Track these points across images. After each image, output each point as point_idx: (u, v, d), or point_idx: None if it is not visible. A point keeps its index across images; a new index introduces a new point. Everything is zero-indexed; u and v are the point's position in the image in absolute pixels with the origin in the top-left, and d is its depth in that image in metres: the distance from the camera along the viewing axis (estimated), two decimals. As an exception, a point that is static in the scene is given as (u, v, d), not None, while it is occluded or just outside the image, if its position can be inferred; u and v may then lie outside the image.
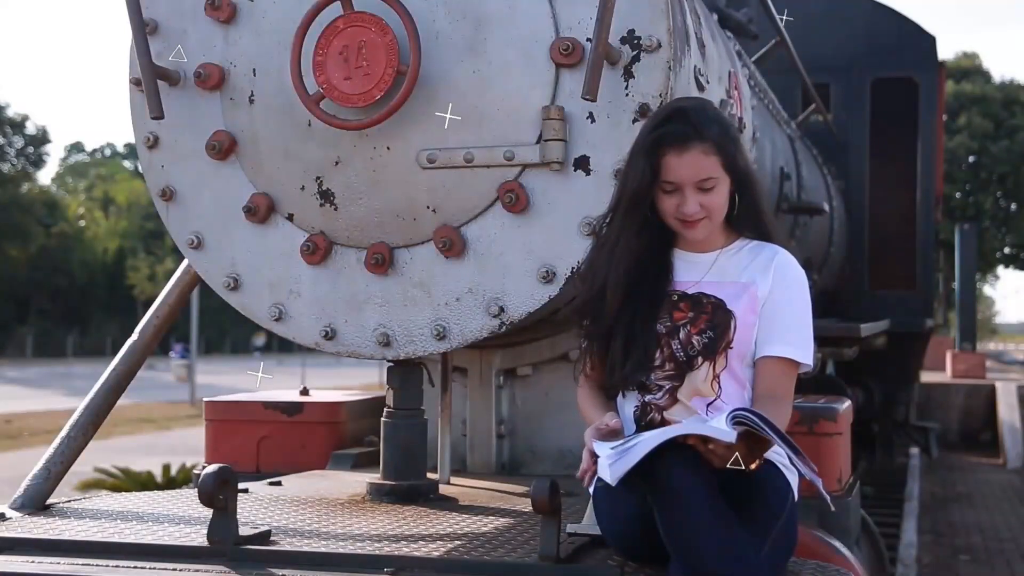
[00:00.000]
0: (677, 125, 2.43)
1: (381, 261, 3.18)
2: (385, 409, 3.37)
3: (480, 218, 3.11)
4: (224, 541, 2.57)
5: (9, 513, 3.03)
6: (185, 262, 3.58)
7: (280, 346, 46.28)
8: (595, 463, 2.29)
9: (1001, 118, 33.26)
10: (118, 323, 43.86)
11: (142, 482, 8.07)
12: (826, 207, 6.81)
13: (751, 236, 2.58)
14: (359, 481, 3.49)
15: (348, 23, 3.02)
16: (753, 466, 2.26)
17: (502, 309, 3.09)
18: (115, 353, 3.60)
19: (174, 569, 2.49)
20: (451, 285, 3.14)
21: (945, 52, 47.86)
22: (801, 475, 2.28)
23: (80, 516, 2.99)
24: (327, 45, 3.03)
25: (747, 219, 2.57)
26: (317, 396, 4.42)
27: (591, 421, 2.47)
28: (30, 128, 49.80)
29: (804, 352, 2.50)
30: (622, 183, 2.53)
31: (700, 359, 2.46)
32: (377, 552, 2.57)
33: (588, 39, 2.91)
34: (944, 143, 16.33)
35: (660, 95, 2.95)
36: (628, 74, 2.98)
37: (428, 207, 3.14)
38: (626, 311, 2.47)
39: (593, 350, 2.54)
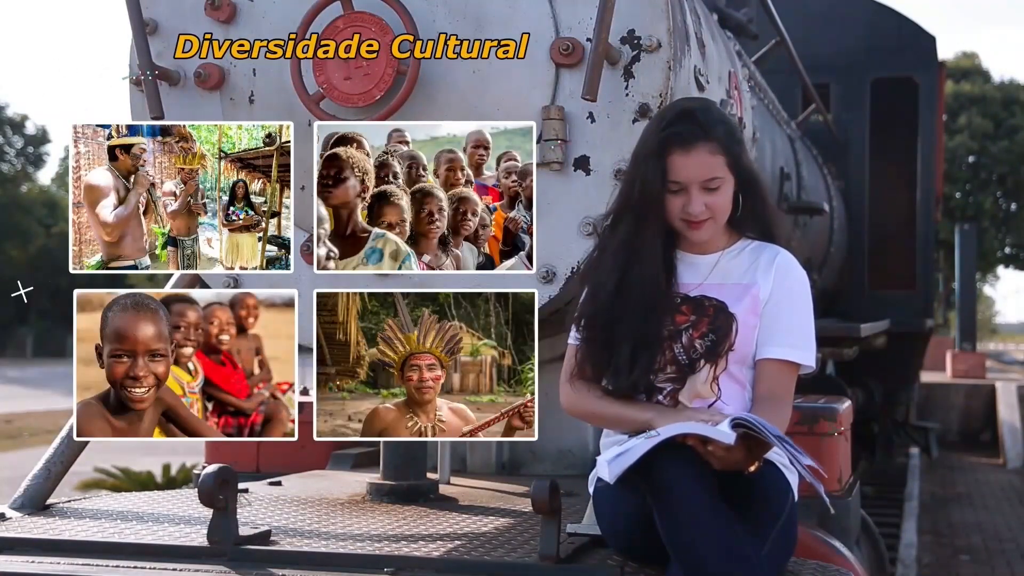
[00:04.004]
0: (683, 125, 2.42)
1: (381, 261, 3.18)
2: (385, 409, 3.37)
3: (480, 218, 3.10)
4: (224, 541, 2.58)
5: (9, 513, 3.03)
6: (185, 262, 3.58)
7: (280, 346, 46.21)
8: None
9: (1001, 118, 33.24)
10: (118, 323, 43.77)
11: (142, 482, 8.08)
12: (826, 207, 6.81)
13: (753, 236, 2.58)
14: (359, 481, 3.50)
15: (348, 23, 3.03)
16: (752, 468, 2.26)
17: (502, 309, 3.09)
18: (115, 353, 3.59)
19: (174, 569, 2.49)
20: (451, 285, 3.13)
21: (945, 52, 47.80)
22: (801, 475, 2.28)
23: (80, 516, 2.99)
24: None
25: (751, 220, 2.56)
26: (317, 396, 4.42)
27: (632, 418, 2.41)
28: (30, 128, 49.81)
29: (804, 354, 2.49)
30: (631, 186, 2.49)
31: (702, 362, 2.45)
32: (377, 552, 2.57)
33: (588, 39, 2.92)
34: (944, 143, 16.33)
35: (660, 95, 2.95)
36: (628, 74, 2.98)
37: (428, 207, 3.14)
38: (631, 315, 2.45)
39: (593, 353, 2.52)
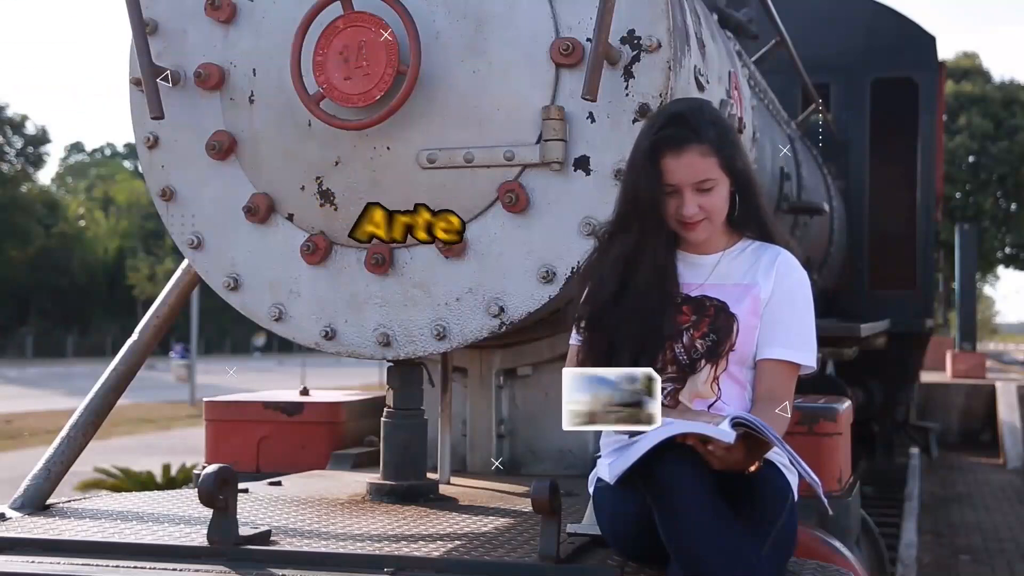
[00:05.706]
0: (673, 129, 2.43)
1: (381, 261, 3.18)
2: (385, 409, 3.37)
3: (480, 218, 3.11)
4: (224, 541, 2.58)
5: (9, 513, 3.04)
6: (185, 262, 3.58)
7: (280, 346, 46.26)
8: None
9: (1001, 118, 33.26)
10: (118, 323, 43.83)
11: (142, 482, 8.07)
12: (826, 207, 6.81)
13: (753, 236, 2.58)
14: (359, 481, 3.50)
15: (348, 23, 3.02)
16: (752, 468, 2.26)
17: (502, 309, 3.09)
18: (115, 353, 3.60)
19: (174, 569, 2.49)
20: (451, 285, 3.14)
21: (945, 52, 47.86)
22: (801, 475, 2.28)
23: (80, 516, 2.99)
24: (327, 45, 3.03)
25: (748, 219, 2.57)
26: (317, 396, 4.42)
27: None
28: (30, 128, 49.81)
29: (805, 354, 2.49)
30: (631, 191, 2.50)
31: (703, 362, 2.46)
32: (377, 552, 2.57)
33: (588, 39, 2.92)
34: (944, 143, 16.33)
35: (660, 95, 2.95)
36: (628, 74, 2.98)
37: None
38: (632, 315, 2.45)
39: (593, 354, 2.52)
